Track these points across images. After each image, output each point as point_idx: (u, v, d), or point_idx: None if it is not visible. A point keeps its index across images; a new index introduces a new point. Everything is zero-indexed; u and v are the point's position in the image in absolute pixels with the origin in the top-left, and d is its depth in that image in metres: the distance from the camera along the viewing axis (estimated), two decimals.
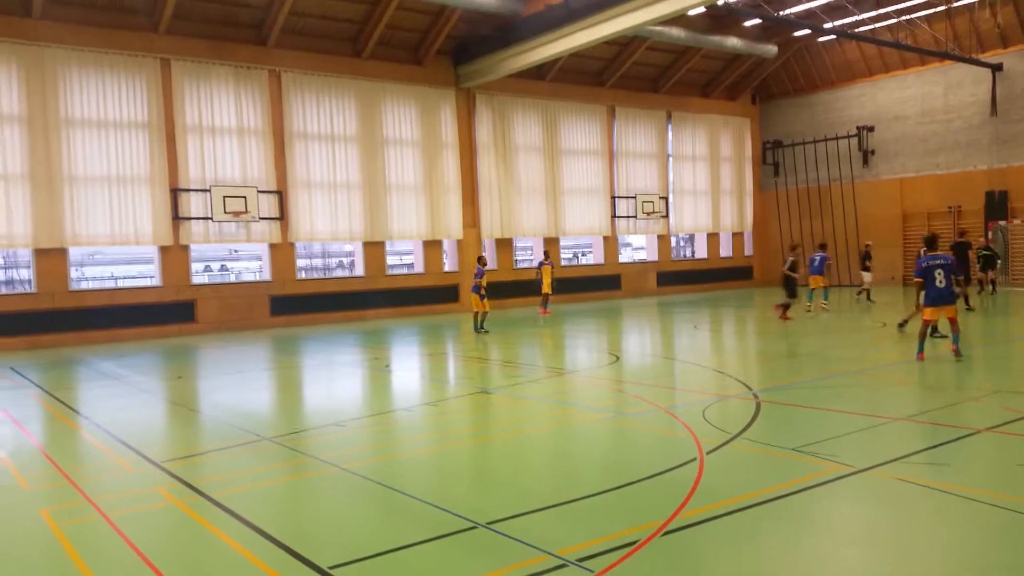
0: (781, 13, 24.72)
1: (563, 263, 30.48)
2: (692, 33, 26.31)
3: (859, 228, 30.19)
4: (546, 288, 22.37)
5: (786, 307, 17.83)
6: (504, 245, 26.89)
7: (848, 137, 30.41)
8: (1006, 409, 7.94)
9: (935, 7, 26.03)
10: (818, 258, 19.56)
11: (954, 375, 10.35)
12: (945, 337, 12.64)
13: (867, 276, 21.95)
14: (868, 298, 22.11)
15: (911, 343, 11.83)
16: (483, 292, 17.59)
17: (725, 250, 33.27)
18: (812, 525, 5.00)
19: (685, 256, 34.03)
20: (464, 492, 6.00)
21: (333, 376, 12.94)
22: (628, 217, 29.48)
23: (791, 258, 18.09)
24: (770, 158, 33.36)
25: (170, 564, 4.64)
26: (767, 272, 33.55)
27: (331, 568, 4.40)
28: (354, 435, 8.13)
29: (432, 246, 25.29)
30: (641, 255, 32.82)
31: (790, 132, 32.67)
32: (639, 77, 29.57)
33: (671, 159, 31.17)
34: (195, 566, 4.69)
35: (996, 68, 26.02)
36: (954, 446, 6.65)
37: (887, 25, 27.12)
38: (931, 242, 11.73)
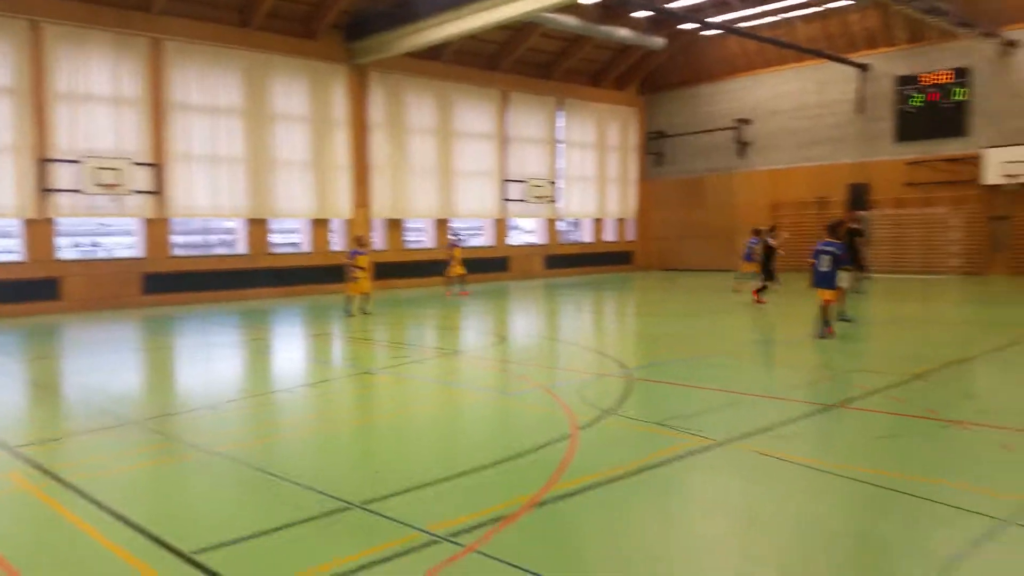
0: (669, 6, 25.45)
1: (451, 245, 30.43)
2: (585, 22, 26.70)
3: (733, 217, 31.70)
4: (459, 269, 22.29)
5: (762, 289, 17.62)
6: (394, 226, 26.62)
7: (726, 129, 31.75)
8: (858, 387, 8.58)
9: (811, 7, 27.45)
10: (749, 243, 19.44)
11: (816, 354, 11.06)
12: (851, 321, 13.55)
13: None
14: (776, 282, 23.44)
15: (785, 325, 12.53)
16: (355, 275, 17.07)
17: (610, 235, 34.22)
18: (675, 495, 5.26)
19: (572, 240, 34.69)
20: (340, 473, 5.96)
21: (209, 357, 12.49)
22: (518, 200, 29.79)
23: (759, 240, 17.95)
24: (654, 147, 34.45)
25: (22, 553, 4.41)
26: (648, 257, 34.73)
27: (195, 553, 4.30)
28: (228, 417, 7.90)
29: (320, 225, 24.73)
30: (530, 238, 33.27)
31: (673, 123, 33.80)
32: (532, 63, 29.81)
33: (561, 145, 31.67)
34: (49, 555, 4.47)
35: (863, 68, 27.77)
36: (809, 420, 7.13)
37: (767, 23, 28.42)
38: (832, 229, 12.39)
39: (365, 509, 4.92)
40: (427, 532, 4.48)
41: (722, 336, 13.57)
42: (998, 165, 24.53)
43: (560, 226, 32.81)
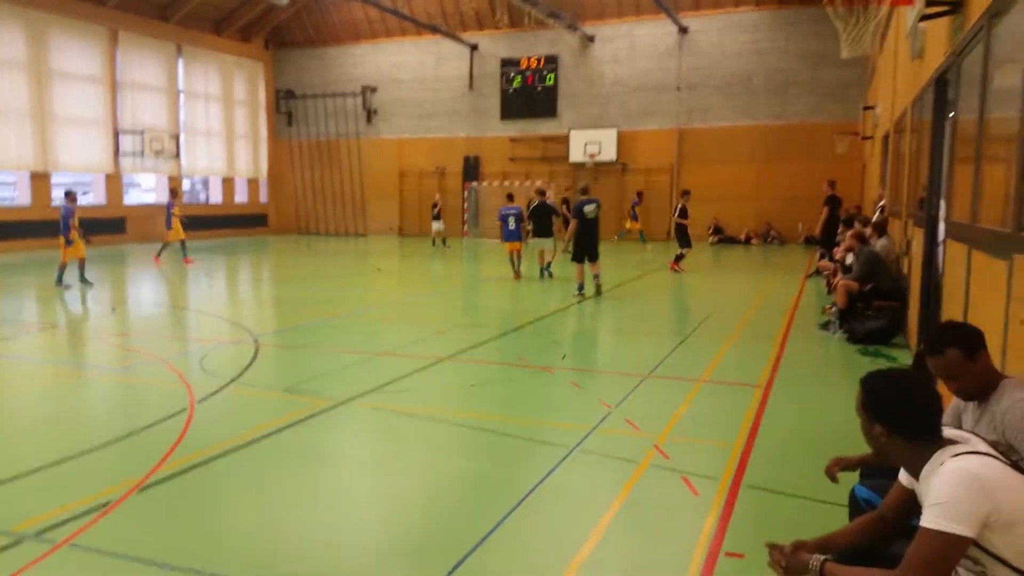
0: None
1: (55, 204, 26.62)
2: None
3: (364, 183, 32.45)
4: (181, 232, 19.41)
5: (679, 258, 17.08)
6: None
7: (354, 95, 32.14)
8: (467, 340, 9.52)
9: None
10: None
11: (436, 312, 11.98)
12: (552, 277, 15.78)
13: (437, 225, 24.91)
14: (444, 244, 25.01)
15: (419, 284, 13.19)
16: (72, 236, 14.40)
17: (241, 196, 32.74)
18: (290, 458, 5.37)
19: (200, 200, 32.57)
20: None
21: None
22: (135, 155, 27.01)
23: (681, 204, 16.96)
24: (284, 107, 33.58)
25: None
26: (283, 219, 34.02)
27: None
28: None
29: None
30: (151, 197, 30.47)
31: (302, 83, 33.24)
32: (146, 2, 27.00)
33: (183, 96, 29.32)
34: None
35: (473, 48, 29.99)
36: (421, 374, 7.76)
37: None
38: (510, 197, 17.09)
39: None
40: (9, 533, 4.06)
41: (357, 298, 13.97)
42: (580, 145, 28.42)
43: (186, 184, 30.52)
